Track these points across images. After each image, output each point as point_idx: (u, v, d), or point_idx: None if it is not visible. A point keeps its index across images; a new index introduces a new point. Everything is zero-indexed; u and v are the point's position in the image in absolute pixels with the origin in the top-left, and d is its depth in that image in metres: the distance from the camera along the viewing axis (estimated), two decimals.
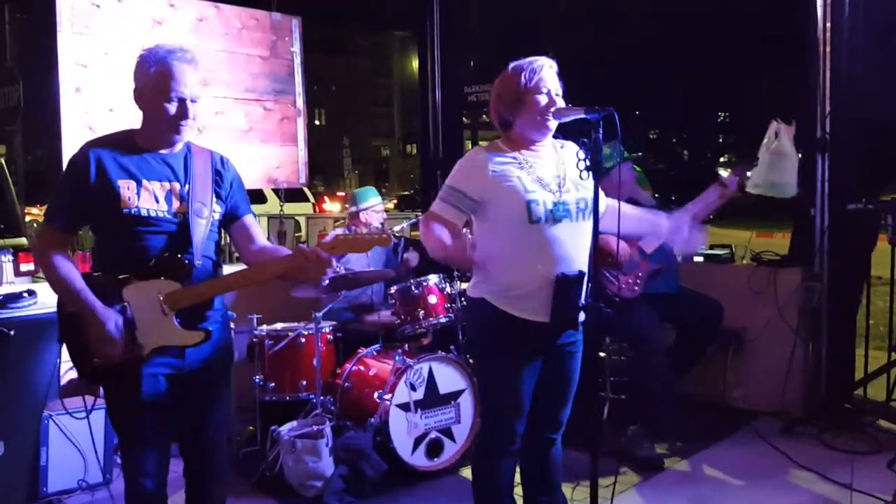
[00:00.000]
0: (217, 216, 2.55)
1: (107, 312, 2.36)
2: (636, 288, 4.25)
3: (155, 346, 2.41)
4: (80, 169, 2.39)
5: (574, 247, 2.68)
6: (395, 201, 29.75)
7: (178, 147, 2.51)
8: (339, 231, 5.04)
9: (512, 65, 2.74)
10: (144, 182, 2.42)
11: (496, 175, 2.65)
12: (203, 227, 2.48)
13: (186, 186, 2.47)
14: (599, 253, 4.00)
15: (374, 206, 5.00)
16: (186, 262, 2.44)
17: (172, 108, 2.39)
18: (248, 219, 2.65)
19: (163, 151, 2.48)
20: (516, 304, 2.67)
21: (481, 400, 2.90)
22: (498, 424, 2.81)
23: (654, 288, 4.28)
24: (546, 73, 2.69)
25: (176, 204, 2.45)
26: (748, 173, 4.02)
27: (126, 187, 2.39)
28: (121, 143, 2.46)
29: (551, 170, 2.71)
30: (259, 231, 2.66)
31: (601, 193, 2.67)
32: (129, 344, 2.38)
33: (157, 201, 2.43)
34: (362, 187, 5.36)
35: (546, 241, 2.64)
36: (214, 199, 2.53)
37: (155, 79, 2.38)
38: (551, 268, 2.63)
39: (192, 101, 2.41)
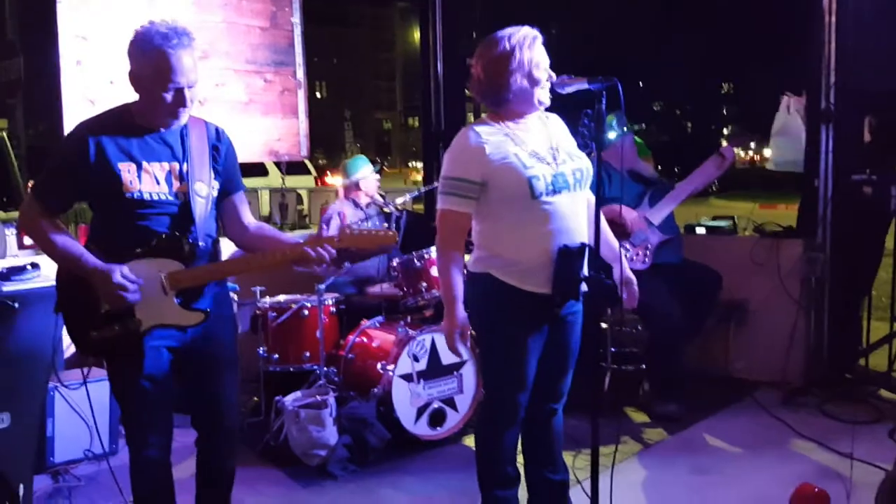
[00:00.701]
0: (215, 193, 2.54)
1: (110, 265, 2.35)
2: (646, 260, 4.27)
3: (153, 324, 2.42)
4: (78, 152, 2.36)
5: (575, 216, 2.68)
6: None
7: (175, 125, 2.49)
8: (336, 204, 5.04)
9: (496, 38, 2.64)
10: (145, 164, 2.40)
11: (493, 154, 2.61)
12: (203, 205, 2.47)
13: (185, 165, 2.45)
14: (610, 223, 4.04)
15: (369, 176, 5.00)
16: (190, 242, 2.44)
17: (169, 96, 2.35)
18: (239, 196, 2.63)
19: (161, 129, 2.46)
20: (522, 278, 2.66)
21: (486, 373, 2.91)
22: (503, 397, 2.81)
23: (659, 258, 4.30)
24: (530, 46, 2.62)
25: (176, 184, 2.44)
26: (766, 153, 4.07)
27: (127, 170, 2.37)
28: (119, 122, 2.42)
29: (543, 142, 2.69)
30: (246, 209, 2.65)
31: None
32: (128, 318, 2.39)
33: (158, 183, 2.41)
34: (353, 157, 5.33)
35: (548, 215, 2.63)
36: (213, 176, 2.52)
37: (151, 68, 2.33)
38: (556, 240, 2.63)
39: (189, 87, 2.38)
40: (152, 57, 2.32)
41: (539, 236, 2.64)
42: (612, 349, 4.66)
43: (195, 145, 2.48)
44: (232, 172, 2.61)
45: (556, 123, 2.80)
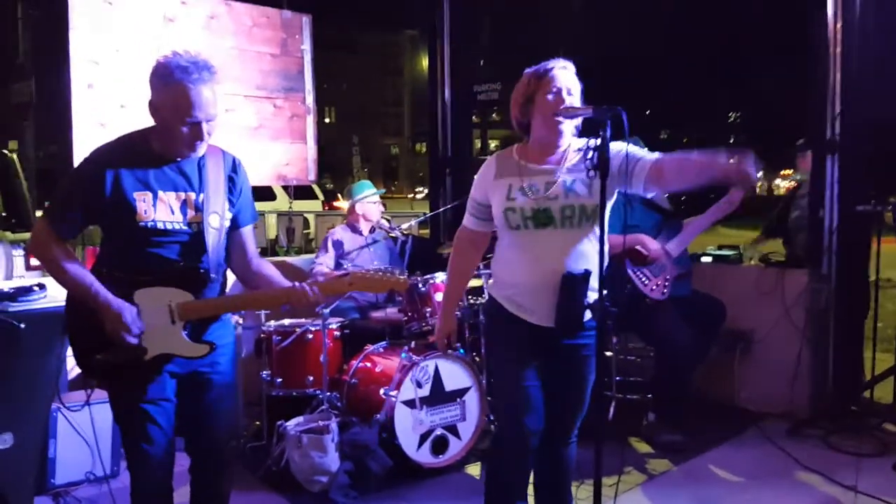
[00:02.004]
0: (228, 223, 2.54)
1: (122, 303, 2.36)
2: (665, 291, 4.30)
3: (158, 353, 2.42)
4: (94, 182, 2.35)
5: (560, 252, 2.64)
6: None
7: (193, 156, 2.48)
8: (336, 231, 5.04)
9: (530, 69, 2.76)
10: (160, 194, 2.40)
11: (496, 179, 2.73)
12: (216, 236, 2.48)
13: (201, 196, 2.46)
14: (633, 250, 4.17)
15: (368, 197, 5.02)
16: (202, 271, 2.44)
17: (186, 129, 2.35)
18: (247, 230, 2.63)
19: (178, 159, 2.46)
20: (513, 304, 2.73)
21: (495, 397, 2.95)
22: (507, 420, 2.81)
23: (673, 292, 4.32)
24: (557, 72, 2.68)
25: (190, 213, 2.44)
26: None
27: (142, 200, 2.37)
28: (136, 150, 2.42)
29: (547, 176, 2.69)
30: (253, 243, 2.66)
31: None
32: (134, 345, 2.39)
33: (173, 212, 2.42)
34: (357, 182, 5.37)
35: (530, 247, 2.68)
36: (227, 207, 2.52)
37: (170, 100, 2.32)
38: (537, 272, 2.66)
39: (208, 121, 2.37)
40: (172, 90, 2.32)
41: (524, 266, 2.69)
42: (617, 378, 4.65)
43: (211, 176, 2.48)
44: (245, 205, 2.60)
45: (580, 155, 2.70)
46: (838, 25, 4.62)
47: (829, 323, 4.75)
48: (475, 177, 2.84)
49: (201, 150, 2.45)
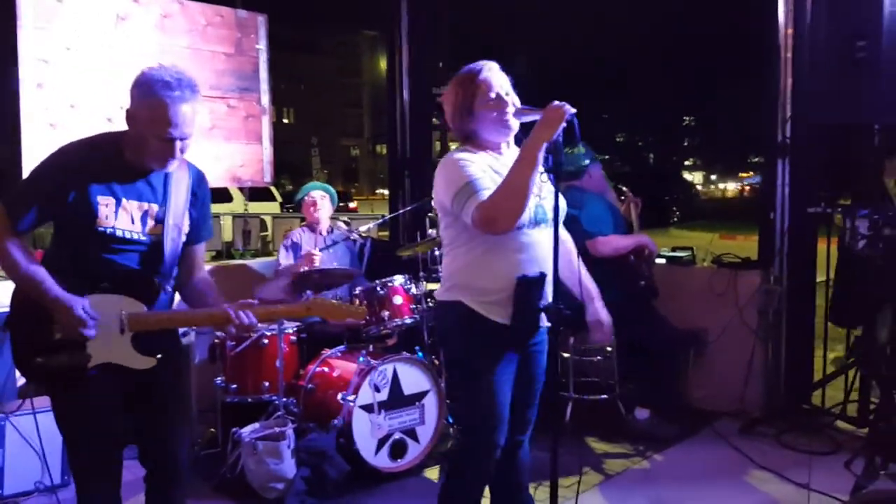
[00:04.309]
0: (185, 237, 2.53)
1: (73, 297, 2.30)
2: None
3: (103, 362, 2.36)
4: (59, 178, 2.32)
5: (548, 250, 2.59)
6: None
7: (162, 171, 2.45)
8: (294, 233, 5.01)
9: (459, 74, 2.71)
10: (124, 201, 2.37)
11: (485, 173, 2.58)
12: (173, 249, 2.47)
13: (163, 208, 2.44)
14: (639, 249, 4.53)
15: (308, 199, 4.99)
16: (156, 282, 2.42)
17: (160, 144, 2.32)
18: (201, 247, 2.64)
19: (147, 170, 2.42)
20: (491, 308, 2.62)
21: (459, 408, 2.80)
22: (479, 434, 2.71)
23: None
24: (489, 73, 2.64)
25: (150, 224, 2.42)
26: None
27: (105, 205, 2.34)
28: (106, 155, 2.38)
29: None
30: (202, 260, 2.67)
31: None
32: (77, 350, 2.33)
33: (133, 222, 2.39)
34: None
35: (527, 245, 2.61)
36: (187, 221, 2.51)
37: (147, 113, 2.29)
38: (531, 271, 2.61)
39: (182, 139, 2.34)
40: (150, 103, 2.29)
41: (517, 266, 2.60)
42: (582, 378, 4.70)
43: (176, 189, 2.47)
44: (202, 221, 2.59)
45: None
46: (789, 31, 4.71)
47: (781, 323, 4.83)
48: (455, 170, 2.57)
49: (171, 167, 2.41)
